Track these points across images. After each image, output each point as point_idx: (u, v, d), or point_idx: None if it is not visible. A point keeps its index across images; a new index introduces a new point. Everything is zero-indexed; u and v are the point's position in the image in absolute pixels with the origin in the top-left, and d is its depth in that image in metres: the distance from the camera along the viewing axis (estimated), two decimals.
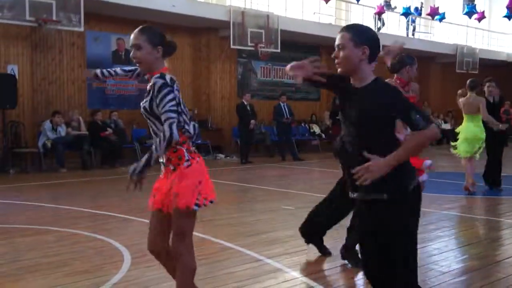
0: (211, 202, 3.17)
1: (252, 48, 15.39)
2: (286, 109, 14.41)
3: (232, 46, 14.91)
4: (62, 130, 11.73)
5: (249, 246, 5.18)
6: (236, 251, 5.04)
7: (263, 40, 15.32)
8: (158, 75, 3.00)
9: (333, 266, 4.64)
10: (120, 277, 4.20)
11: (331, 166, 13.14)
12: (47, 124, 11.49)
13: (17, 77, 11.61)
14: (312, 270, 4.53)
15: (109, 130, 12.45)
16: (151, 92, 2.99)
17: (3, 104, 10.70)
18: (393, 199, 2.56)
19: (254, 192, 9.09)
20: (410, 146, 2.56)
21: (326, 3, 16.21)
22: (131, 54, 3.09)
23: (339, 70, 2.69)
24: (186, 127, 3.07)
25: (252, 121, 13.61)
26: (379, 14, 18.63)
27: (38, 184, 9.81)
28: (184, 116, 3.06)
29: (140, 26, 3.15)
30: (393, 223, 2.57)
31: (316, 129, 17.39)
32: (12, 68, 11.76)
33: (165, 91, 2.92)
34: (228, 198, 8.55)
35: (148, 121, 3.09)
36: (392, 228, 2.57)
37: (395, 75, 4.99)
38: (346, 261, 4.64)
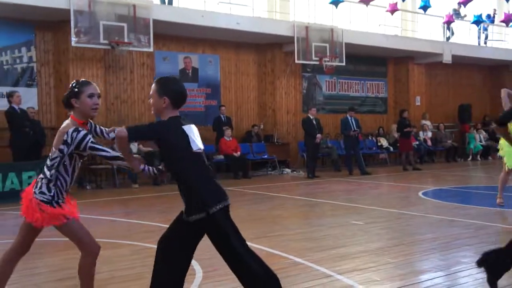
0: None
1: (317, 62, 15.35)
2: (354, 123, 14.20)
3: (296, 61, 14.96)
4: (134, 147, 12.14)
5: (319, 261, 5.11)
6: (306, 266, 4.98)
7: (328, 54, 15.25)
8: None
9: (407, 283, 4.48)
10: None
11: (399, 180, 12.82)
12: None
13: None
14: (385, 287, 4.39)
15: None
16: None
17: None
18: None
19: (322, 207, 8.99)
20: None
21: (392, 14, 15.95)
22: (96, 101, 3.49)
23: (152, 112, 3.43)
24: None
25: (318, 135, 13.52)
26: (448, 23, 18.08)
27: (112, 199, 10.19)
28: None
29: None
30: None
31: (383, 142, 17.03)
32: None
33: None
34: (296, 213, 8.51)
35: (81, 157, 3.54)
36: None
37: None
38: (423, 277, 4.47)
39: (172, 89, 3.35)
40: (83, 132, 3.36)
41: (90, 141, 3.36)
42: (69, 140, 3.35)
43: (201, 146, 3.41)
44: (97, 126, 3.70)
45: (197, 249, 3.49)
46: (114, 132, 3.48)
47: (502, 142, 7.84)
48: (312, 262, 5.07)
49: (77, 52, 12.09)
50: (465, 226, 6.74)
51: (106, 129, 3.72)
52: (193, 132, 3.37)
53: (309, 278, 4.58)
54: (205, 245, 5.78)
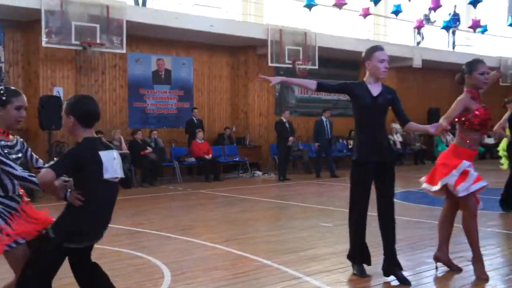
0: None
1: (290, 66, 15.46)
2: (328, 125, 14.23)
3: (269, 64, 15.02)
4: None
5: (288, 263, 5.17)
6: (275, 268, 5.03)
7: (301, 57, 15.38)
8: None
9: (374, 284, 4.57)
10: None
11: None
12: None
13: (62, 99, 12.01)
14: None
15: (149, 149, 12.69)
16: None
17: (49, 125, 11.06)
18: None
19: (292, 209, 9.07)
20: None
21: (364, 18, 16.17)
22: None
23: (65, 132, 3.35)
24: None
25: (291, 138, 13.61)
26: (419, 28, 18.40)
27: None
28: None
29: None
30: None
31: None
32: (58, 90, 12.18)
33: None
34: (266, 215, 8.56)
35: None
36: None
37: (464, 89, 4.69)
38: (388, 278, 4.57)
39: (78, 108, 3.24)
40: None
41: None
42: None
43: (118, 174, 3.30)
44: (29, 149, 3.47)
45: (164, 252, 3.49)
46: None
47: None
48: (280, 264, 5.13)
49: (48, 52, 11.92)
50: (430, 228, 6.87)
51: (37, 157, 3.50)
52: (113, 158, 3.26)
53: (277, 280, 4.63)
54: (171, 249, 5.77)
